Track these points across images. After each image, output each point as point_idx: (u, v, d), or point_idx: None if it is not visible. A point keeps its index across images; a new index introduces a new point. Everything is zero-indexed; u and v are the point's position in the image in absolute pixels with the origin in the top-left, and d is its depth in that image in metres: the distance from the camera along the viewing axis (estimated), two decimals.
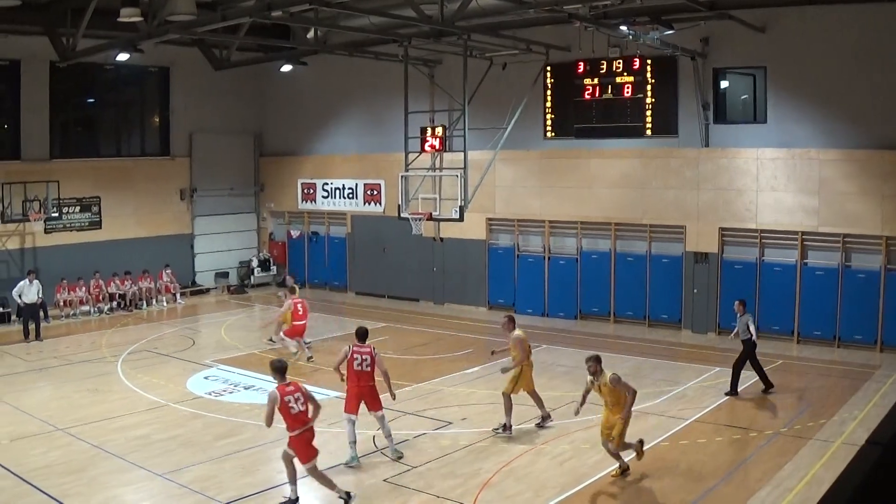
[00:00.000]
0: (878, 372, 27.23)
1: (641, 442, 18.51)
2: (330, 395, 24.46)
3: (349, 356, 19.70)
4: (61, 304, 38.87)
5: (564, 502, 17.06)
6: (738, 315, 25.01)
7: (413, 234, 35.17)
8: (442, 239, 39.21)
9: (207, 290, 46.07)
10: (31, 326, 34.45)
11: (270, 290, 45.73)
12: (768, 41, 31.06)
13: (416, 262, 40.45)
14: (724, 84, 33.17)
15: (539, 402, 21.63)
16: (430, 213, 33.68)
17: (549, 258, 36.72)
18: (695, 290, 33.10)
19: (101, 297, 40.61)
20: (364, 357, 19.69)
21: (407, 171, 34.16)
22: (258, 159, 48.26)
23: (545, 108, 35.28)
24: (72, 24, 34.91)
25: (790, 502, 16.64)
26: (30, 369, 29.53)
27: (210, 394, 25.97)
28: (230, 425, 22.59)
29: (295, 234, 46.59)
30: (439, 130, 35.50)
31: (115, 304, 40.85)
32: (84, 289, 40.26)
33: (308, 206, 45.74)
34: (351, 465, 19.18)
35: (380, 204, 42.00)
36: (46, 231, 40.19)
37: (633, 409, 18.18)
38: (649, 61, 32.62)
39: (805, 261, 31.45)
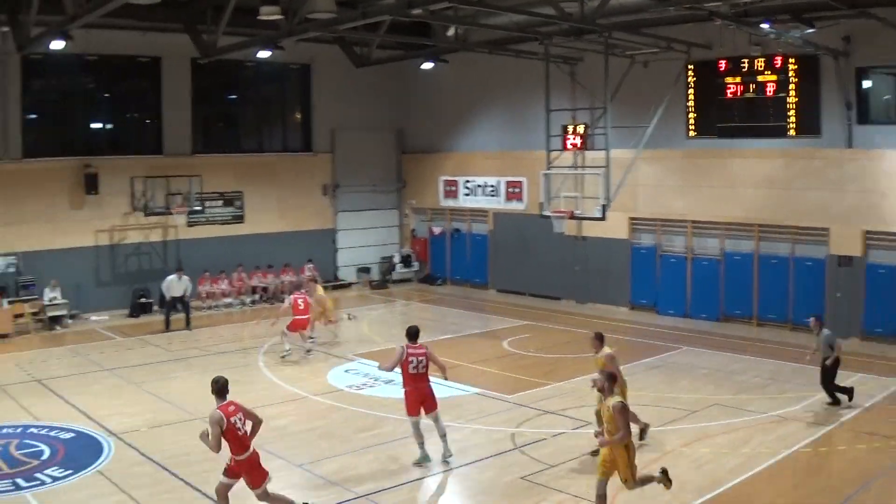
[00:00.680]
0: None
1: (665, 471, 16.55)
2: (470, 392, 24.66)
3: (404, 358, 19.22)
4: (204, 296, 39.71)
5: None
6: (815, 333, 23.49)
7: (555, 233, 35.16)
8: (584, 237, 38.97)
9: (349, 285, 46.50)
10: (174, 317, 35.53)
11: (412, 286, 46.11)
12: None
13: (557, 260, 40.04)
14: (867, 84, 32.16)
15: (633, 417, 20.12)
16: (573, 212, 33.57)
17: (691, 259, 36.17)
18: (838, 294, 32.32)
19: (243, 290, 41.40)
20: (420, 359, 19.25)
21: (549, 169, 34.06)
22: (400, 156, 48.53)
23: (687, 106, 34.77)
24: (212, 22, 35.42)
25: None
26: (171, 359, 30.21)
27: (350, 387, 26.25)
28: (370, 418, 22.80)
29: (437, 230, 46.76)
30: (581, 128, 35.32)
31: (257, 296, 41.54)
32: (227, 281, 41.08)
33: (450, 202, 45.87)
34: (422, 463, 19.07)
35: (522, 201, 41.86)
36: (189, 224, 41.02)
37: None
38: (792, 60, 31.99)
39: None
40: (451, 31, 38.24)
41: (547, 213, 33.90)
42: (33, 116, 38.65)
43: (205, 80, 41.90)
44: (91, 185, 38.38)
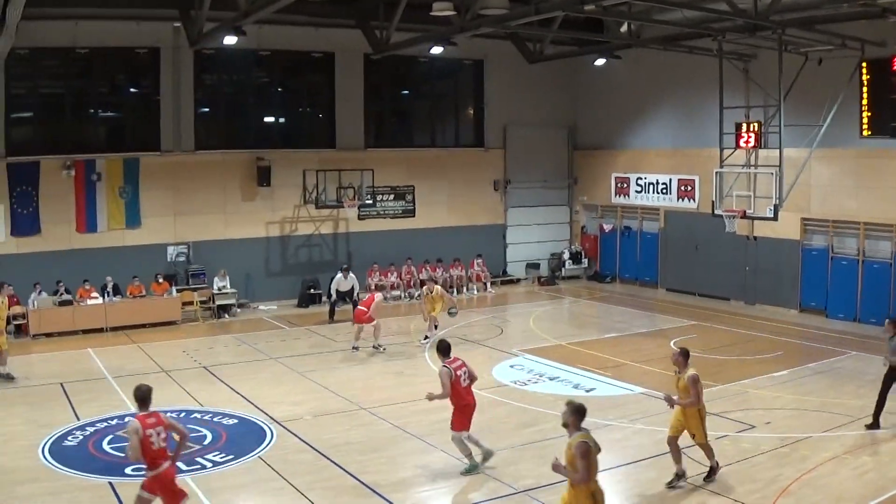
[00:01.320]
0: None
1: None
2: (634, 391, 24.42)
3: (454, 378, 18.48)
4: (372, 287, 39.75)
5: None
6: (889, 336, 21.35)
7: (726, 232, 34.68)
8: (755, 238, 38.23)
9: (518, 281, 46.47)
10: (342, 308, 35.85)
11: (580, 283, 45.86)
12: None
13: (728, 260, 39.27)
14: None
15: (709, 452, 18.09)
16: (745, 211, 33.07)
17: (862, 261, 35.09)
18: None
19: (412, 283, 41.66)
20: (465, 371, 18.77)
21: (722, 167, 33.66)
22: (572, 152, 48.21)
23: (861, 105, 33.85)
24: (384, 18, 35.92)
25: None
26: (337, 349, 30.54)
27: (515, 382, 26.15)
28: (533, 414, 22.71)
29: (607, 227, 46.41)
30: (754, 126, 34.68)
31: (425, 290, 41.66)
32: (395, 274, 41.45)
33: (621, 200, 45.38)
34: (471, 472, 18.53)
35: (693, 200, 41.21)
36: (360, 218, 41.67)
37: None
38: None
39: None
40: (623, 27, 37.96)
41: (719, 211, 33.50)
42: (206, 110, 39.81)
43: (377, 75, 42.37)
44: (263, 177, 39.13)
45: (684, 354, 17.91)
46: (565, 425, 13.80)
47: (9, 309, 33.11)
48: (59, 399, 24.94)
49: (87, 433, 21.58)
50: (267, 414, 22.77)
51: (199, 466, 19.13)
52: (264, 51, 39.60)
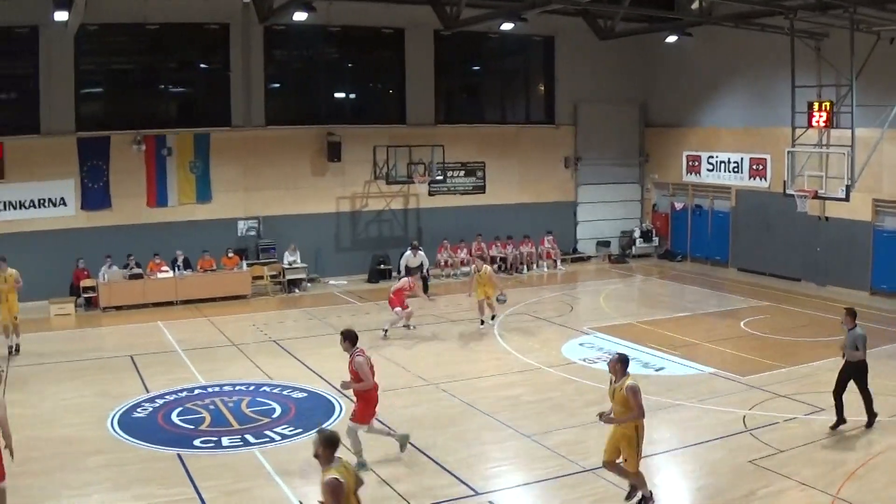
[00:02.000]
0: None
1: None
2: (704, 371, 24.27)
3: (370, 365, 17.74)
4: (442, 264, 40.14)
5: None
6: (847, 328, 19.86)
7: (798, 212, 34.38)
8: (827, 218, 37.73)
9: (588, 258, 46.28)
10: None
11: (651, 261, 45.61)
12: None
13: (799, 240, 38.73)
14: None
15: (641, 481, 15.78)
16: (816, 191, 32.78)
17: None
18: None
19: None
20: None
21: (794, 146, 33.38)
22: (643, 130, 47.87)
23: None
24: None
25: None
26: (406, 325, 30.42)
27: (584, 360, 26.06)
28: (602, 393, 22.40)
29: (678, 206, 46.10)
30: (826, 106, 34.27)
31: (495, 266, 41.54)
32: (465, 250, 41.38)
33: (692, 178, 44.94)
34: (364, 469, 16.92)
35: (765, 179, 40.72)
36: (430, 193, 41.77)
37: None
38: None
39: None
40: (695, 5, 37.56)
41: (790, 191, 33.22)
42: (276, 85, 39.95)
43: (448, 51, 42.42)
44: (334, 152, 39.25)
45: (623, 361, 15.66)
46: (316, 456, 11.90)
47: (77, 282, 33.69)
48: (128, 371, 25.25)
49: (157, 405, 21.82)
50: (336, 388, 22.85)
51: (267, 440, 19.32)
52: (334, 27, 39.54)
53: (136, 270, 34.95)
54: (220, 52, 38.17)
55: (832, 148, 33.98)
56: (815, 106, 33.71)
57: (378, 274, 39.63)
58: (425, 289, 35.72)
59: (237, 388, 23.33)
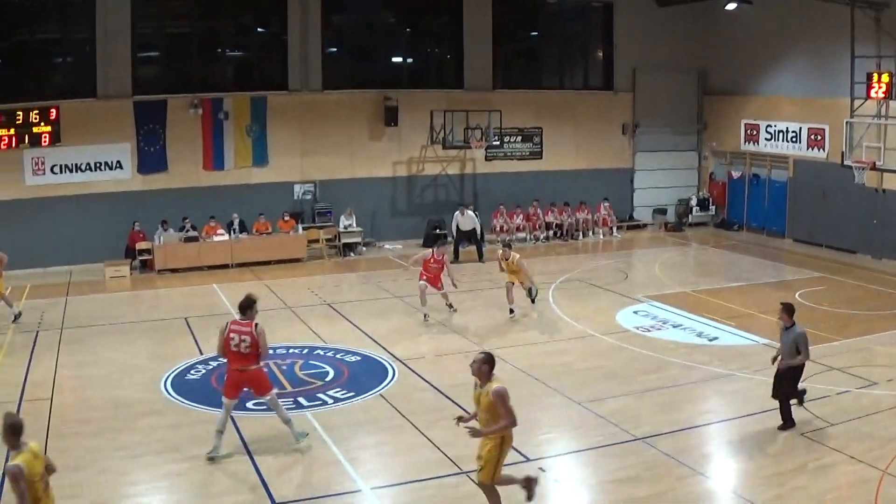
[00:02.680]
0: None
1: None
2: (758, 342, 24.09)
3: (226, 335, 16.43)
4: (497, 229, 40.22)
5: None
6: (784, 327, 17.99)
7: (855, 184, 34.11)
8: (884, 190, 37.28)
9: (644, 226, 46.15)
10: (468, 249, 36.20)
11: (707, 230, 45.26)
12: None
13: (856, 212, 38.15)
14: None
15: (495, 499, 13.90)
16: (874, 163, 32.52)
17: None
18: None
19: (538, 226, 41.64)
20: (242, 337, 16.36)
21: (852, 117, 33.11)
22: (701, 97, 47.45)
23: None
24: None
25: None
26: (462, 290, 30.14)
27: (638, 328, 25.94)
28: (656, 361, 22.55)
29: (736, 175, 45.73)
30: (885, 77, 33.92)
31: (551, 232, 41.72)
32: (521, 216, 41.44)
33: (750, 147, 44.48)
34: (213, 455, 16.37)
35: (823, 149, 40.24)
36: (487, 159, 41.85)
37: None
38: None
39: None
40: None
41: (848, 162, 32.98)
42: (333, 50, 40.02)
43: (506, 16, 42.36)
44: (391, 117, 39.34)
45: (488, 361, 13.40)
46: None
47: (133, 244, 34.02)
48: (183, 333, 25.53)
49: (210, 367, 21.98)
50: (389, 352, 22.97)
51: (320, 402, 19.49)
52: None
53: (192, 233, 35.18)
54: (278, 16, 38.32)
55: (891, 119, 33.66)
56: (875, 77, 33.40)
57: (433, 238, 39.42)
58: (479, 255, 35.79)
59: (291, 350, 23.46)
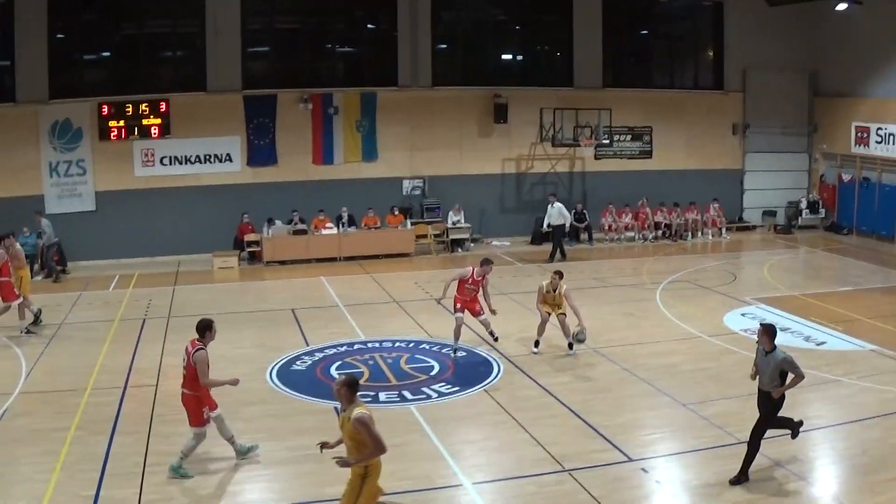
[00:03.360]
0: None
1: None
2: (865, 348, 23.81)
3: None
4: (606, 228, 40.32)
5: None
6: (765, 352, 15.59)
7: None
8: None
9: (753, 228, 45.69)
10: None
11: (817, 233, 44.68)
12: None
13: None
14: None
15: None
16: None
17: None
18: None
19: (646, 225, 41.55)
20: (184, 357, 15.78)
21: None
22: (812, 99, 46.81)
23: None
24: None
25: None
26: (569, 288, 30.35)
27: (746, 331, 25.56)
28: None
29: (846, 178, 45.17)
30: None
31: (659, 232, 41.56)
32: (630, 215, 41.37)
33: (861, 150, 43.81)
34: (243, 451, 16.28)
35: None
36: (596, 157, 41.84)
37: None
38: None
39: None
40: None
41: None
42: (443, 46, 40.31)
43: (616, 14, 42.24)
44: (500, 114, 39.49)
45: (349, 384, 12.52)
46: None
47: (242, 236, 34.46)
48: (289, 324, 25.87)
49: (316, 358, 22.32)
50: (495, 348, 23.03)
51: (424, 396, 19.60)
52: None
53: (301, 226, 35.53)
54: (388, 13, 38.63)
55: None
56: None
57: (541, 236, 39.61)
58: (562, 254, 35.69)
59: (397, 344, 23.66)
